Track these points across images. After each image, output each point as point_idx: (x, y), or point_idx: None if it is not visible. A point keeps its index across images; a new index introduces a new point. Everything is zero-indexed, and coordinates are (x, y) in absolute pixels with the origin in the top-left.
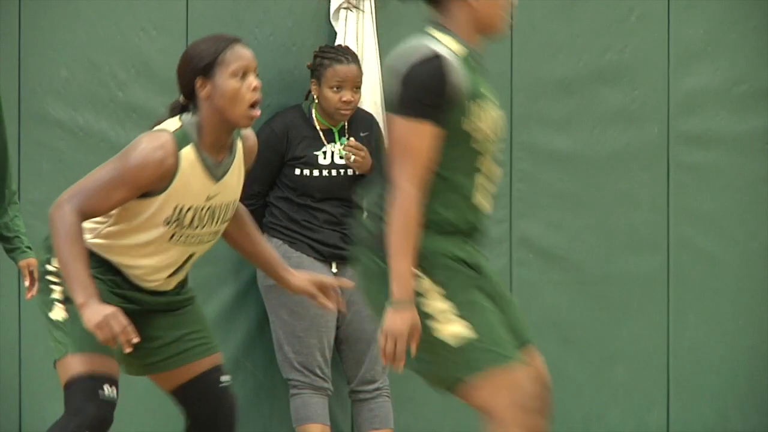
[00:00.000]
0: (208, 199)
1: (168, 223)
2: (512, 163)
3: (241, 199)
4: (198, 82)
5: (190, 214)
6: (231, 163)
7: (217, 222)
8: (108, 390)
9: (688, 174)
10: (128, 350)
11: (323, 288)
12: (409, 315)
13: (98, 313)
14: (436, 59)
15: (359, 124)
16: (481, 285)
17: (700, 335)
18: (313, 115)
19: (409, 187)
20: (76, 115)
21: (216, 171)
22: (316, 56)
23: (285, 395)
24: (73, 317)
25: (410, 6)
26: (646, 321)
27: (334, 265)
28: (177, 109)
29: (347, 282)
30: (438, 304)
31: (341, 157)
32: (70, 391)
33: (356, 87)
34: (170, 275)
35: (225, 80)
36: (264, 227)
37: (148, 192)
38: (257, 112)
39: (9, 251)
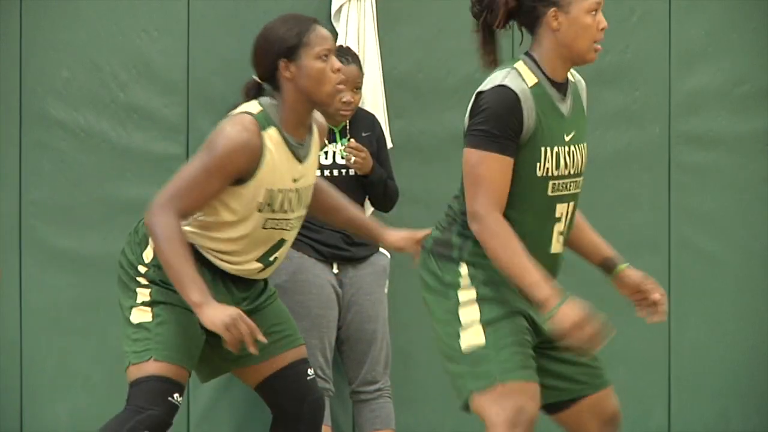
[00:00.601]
0: (295, 181)
1: (261, 209)
2: None
3: None
4: (281, 65)
5: (280, 197)
6: (311, 144)
7: (302, 206)
8: (177, 397)
9: (689, 174)
10: (253, 350)
11: (418, 243)
12: (573, 301)
13: (223, 312)
14: (504, 91)
15: (360, 124)
16: (525, 311)
17: (701, 335)
18: None
19: (489, 213)
20: (77, 116)
21: (300, 152)
22: None
23: None
24: (160, 321)
25: (412, 7)
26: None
27: (335, 266)
28: (253, 91)
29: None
30: (471, 315)
31: (342, 158)
32: (140, 388)
33: (356, 88)
34: (262, 262)
35: (310, 62)
36: None
37: (240, 178)
38: (342, 87)
39: None
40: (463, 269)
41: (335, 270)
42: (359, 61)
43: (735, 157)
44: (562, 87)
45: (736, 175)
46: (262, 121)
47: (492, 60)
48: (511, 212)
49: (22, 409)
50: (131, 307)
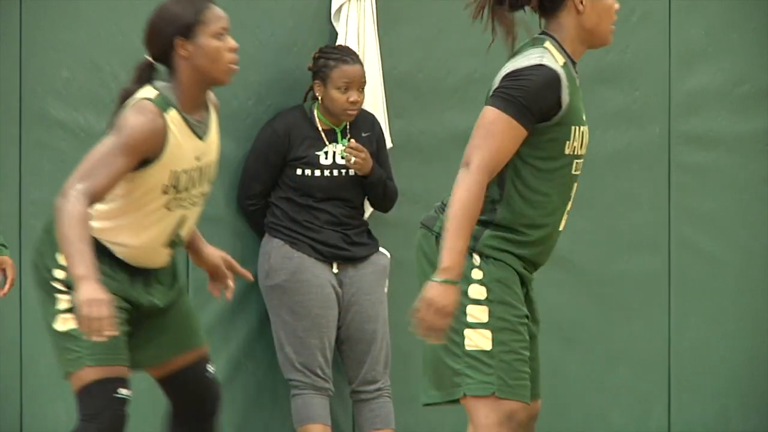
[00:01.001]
0: (198, 159)
1: (166, 192)
2: None
3: (244, 199)
4: (177, 43)
5: (184, 178)
6: (210, 121)
7: (204, 182)
8: (123, 391)
9: (688, 174)
10: (98, 339)
11: (222, 271)
12: (454, 291)
13: (93, 292)
14: (545, 68)
15: (361, 124)
16: (527, 317)
17: (701, 335)
18: (315, 116)
19: (480, 172)
20: (77, 116)
21: (200, 129)
22: (319, 57)
23: (286, 395)
24: None
25: (411, 7)
26: (647, 321)
27: (335, 266)
28: (146, 72)
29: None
30: (480, 315)
31: (343, 158)
32: (85, 397)
33: (362, 87)
34: (167, 247)
35: (207, 40)
36: (266, 227)
37: (145, 160)
38: (236, 67)
39: None
40: (476, 260)
41: (335, 270)
42: (361, 61)
43: (735, 157)
44: (575, 68)
45: (736, 175)
46: (162, 104)
47: (512, 38)
48: (540, 190)
49: (22, 408)
50: (55, 314)
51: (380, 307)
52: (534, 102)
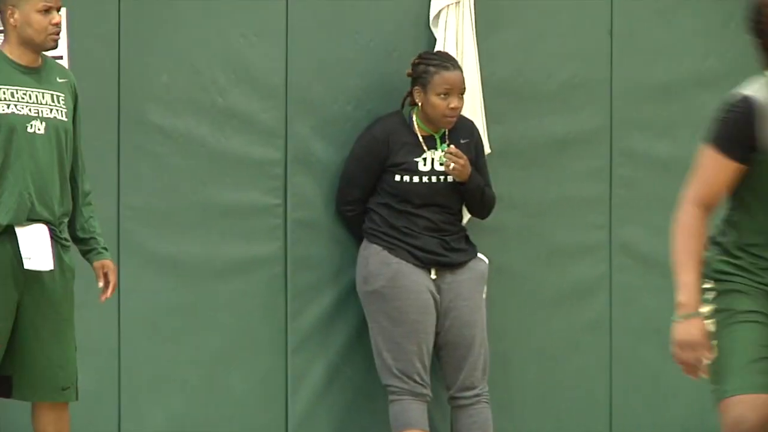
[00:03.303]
0: None
1: None
2: (612, 169)
3: (342, 204)
4: None
5: None
6: None
7: None
8: None
9: None
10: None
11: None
12: (698, 323)
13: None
14: (747, 100)
15: (460, 130)
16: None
17: None
18: (414, 122)
19: (691, 206)
20: (176, 121)
21: None
22: (419, 63)
23: (384, 401)
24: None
25: (510, 11)
26: None
27: (433, 272)
28: None
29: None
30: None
31: (441, 164)
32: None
33: (462, 93)
34: None
35: None
36: (364, 233)
37: None
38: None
39: (84, 252)
40: (706, 284)
41: (433, 276)
42: (460, 67)
43: None
44: None
45: None
46: None
47: None
48: (760, 216)
49: (120, 413)
50: None
51: (478, 313)
52: (732, 132)
